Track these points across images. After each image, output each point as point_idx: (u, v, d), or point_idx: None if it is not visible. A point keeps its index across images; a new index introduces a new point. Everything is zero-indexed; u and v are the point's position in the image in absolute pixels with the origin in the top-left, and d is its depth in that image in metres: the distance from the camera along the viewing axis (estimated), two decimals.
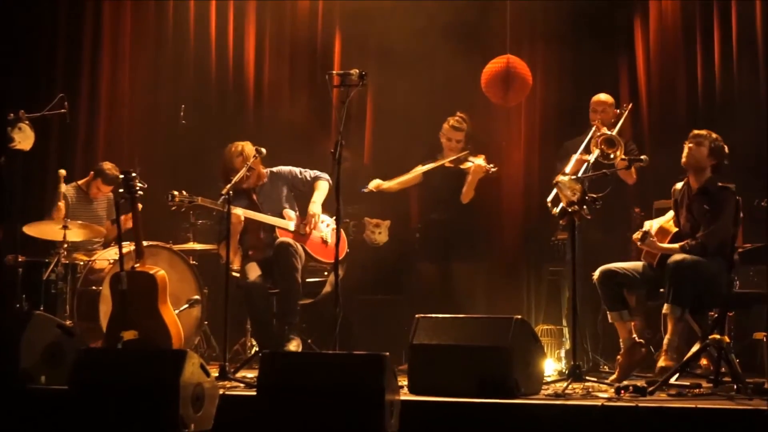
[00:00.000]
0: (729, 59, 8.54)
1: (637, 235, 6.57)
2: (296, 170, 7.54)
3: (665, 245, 6.54)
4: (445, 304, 7.52)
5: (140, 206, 6.78)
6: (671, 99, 8.78)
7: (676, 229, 6.62)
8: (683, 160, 6.58)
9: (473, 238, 7.98)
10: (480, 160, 7.69)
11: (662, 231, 6.64)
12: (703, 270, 6.31)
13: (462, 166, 7.77)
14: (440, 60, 8.60)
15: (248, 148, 7.26)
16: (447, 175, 7.84)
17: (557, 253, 8.01)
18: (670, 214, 6.81)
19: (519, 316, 5.99)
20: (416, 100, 8.48)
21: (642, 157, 6.85)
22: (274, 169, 7.54)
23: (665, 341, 6.35)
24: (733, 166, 7.89)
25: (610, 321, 6.66)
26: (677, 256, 6.32)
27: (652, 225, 6.71)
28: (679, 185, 6.77)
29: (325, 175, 7.47)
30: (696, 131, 6.61)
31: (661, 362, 6.23)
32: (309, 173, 7.53)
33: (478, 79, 8.35)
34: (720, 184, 6.51)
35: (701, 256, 6.35)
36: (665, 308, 6.33)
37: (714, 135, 6.57)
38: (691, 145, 6.57)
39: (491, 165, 7.64)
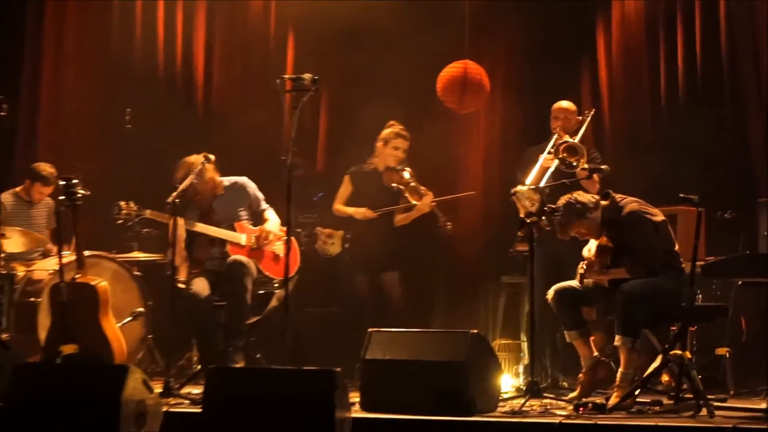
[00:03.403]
0: (693, 63, 8.61)
1: (577, 279, 6.57)
2: (259, 193, 7.54)
3: (611, 272, 6.53)
4: (401, 317, 7.59)
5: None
6: (635, 104, 8.84)
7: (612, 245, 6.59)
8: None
9: (410, 249, 8.03)
10: (428, 200, 7.69)
11: (603, 250, 6.58)
12: (655, 290, 6.34)
13: (411, 199, 7.76)
14: (397, 65, 8.62)
15: (197, 161, 7.22)
16: (379, 188, 7.85)
17: (516, 265, 8.03)
18: None
19: (475, 330, 6.04)
20: (372, 106, 8.48)
21: (603, 166, 6.90)
22: (239, 179, 7.53)
23: (618, 375, 6.32)
24: (696, 175, 8.04)
25: (568, 341, 6.68)
26: (625, 286, 6.33)
27: (589, 249, 6.70)
28: None
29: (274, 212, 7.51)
30: (559, 220, 6.58)
31: (613, 399, 6.15)
32: (264, 203, 7.54)
33: (435, 84, 8.39)
34: (638, 211, 6.49)
35: (653, 275, 6.40)
36: (616, 340, 6.34)
37: (567, 203, 6.52)
38: (575, 234, 6.60)
39: (445, 218, 7.70)
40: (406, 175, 7.78)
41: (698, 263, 6.31)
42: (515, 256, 7.99)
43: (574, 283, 6.65)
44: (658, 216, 6.57)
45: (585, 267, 6.56)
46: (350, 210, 7.89)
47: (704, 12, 8.60)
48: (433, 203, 7.74)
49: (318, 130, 9.28)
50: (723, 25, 8.48)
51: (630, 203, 6.58)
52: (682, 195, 6.11)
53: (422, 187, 7.78)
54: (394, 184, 7.81)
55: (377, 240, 7.76)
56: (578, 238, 6.67)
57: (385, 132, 7.91)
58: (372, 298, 7.87)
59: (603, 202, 6.60)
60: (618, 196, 6.64)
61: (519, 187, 6.92)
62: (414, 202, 7.75)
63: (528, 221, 6.46)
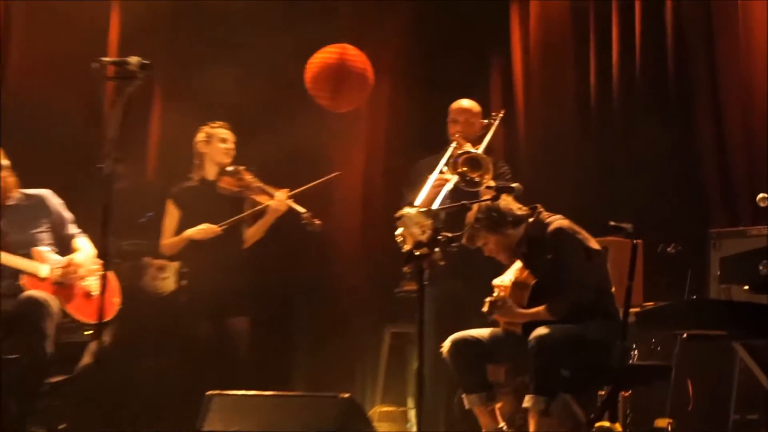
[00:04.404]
0: (631, 63, 8.66)
1: (484, 308, 6.55)
2: (66, 213, 7.42)
3: (528, 312, 6.51)
4: (251, 376, 7.50)
5: None
6: (557, 108, 8.92)
7: (533, 281, 6.59)
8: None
9: (266, 285, 8.07)
10: (284, 195, 7.74)
11: (519, 286, 6.58)
12: (579, 341, 6.29)
13: (256, 197, 7.79)
14: (253, 50, 8.62)
15: None
16: (217, 201, 7.82)
17: (403, 310, 8.02)
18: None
19: (347, 395, 6.03)
20: (223, 100, 8.46)
21: (513, 185, 6.82)
22: (38, 192, 7.41)
23: None
24: (632, 199, 8.08)
25: (467, 407, 6.61)
26: (541, 331, 6.27)
27: (502, 282, 6.69)
28: None
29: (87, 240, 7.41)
30: (469, 235, 6.62)
31: None
32: (72, 226, 7.42)
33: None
34: (567, 229, 6.53)
35: (579, 319, 6.36)
36: (526, 400, 6.28)
37: (486, 208, 6.59)
38: (481, 245, 6.65)
39: (309, 213, 7.70)
40: (247, 174, 7.80)
41: (632, 310, 6.29)
42: (401, 298, 8.03)
43: (477, 332, 6.61)
44: (593, 242, 6.58)
45: (495, 298, 6.52)
46: (187, 233, 7.80)
47: (646, 9, 8.65)
48: (290, 199, 7.74)
49: (149, 130, 9.17)
50: (670, 26, 8.54)
51: (558, 220, 6.59)
52: (612, 223, 6.12)
53: (270, 187, 7.80)
54: (235, 188, 7.78)
55: (222, 273, 7.66)
56: (484, 252, 6.69)
57: (202, 132, 7.95)
58: (215, 351, 7.76)
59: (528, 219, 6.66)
60: (545, 213, 6.65)
61: (406, 210, 6.84)
62: (265, 202, 7.75)
63: (417, 254, 6.32)
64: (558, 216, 6.64)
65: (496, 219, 6.56)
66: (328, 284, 8.79)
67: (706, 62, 8.38)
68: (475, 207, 6.62)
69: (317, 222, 7.74)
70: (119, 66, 6.23)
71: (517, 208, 6.65)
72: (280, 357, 8.44)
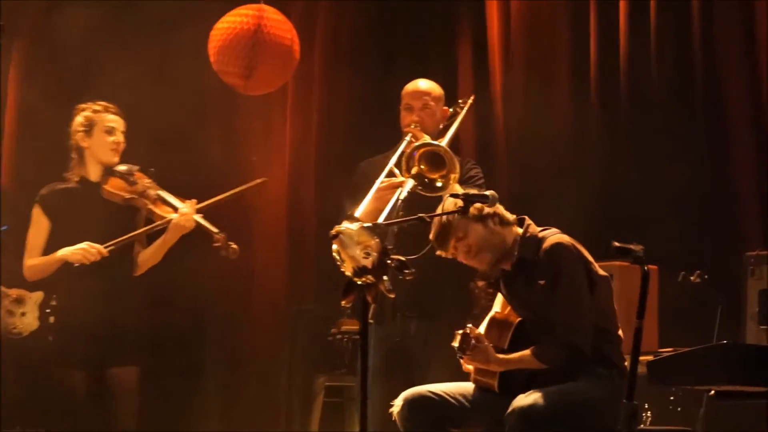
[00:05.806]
0: (645, 30, 8.68)
1: (454, 342, 6.46)
2: None
3: (508, 358, 6.44)
4: None
5: None
6: (545, 92, 8.92)
7: (519, 319, 6.54)
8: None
9: (161, 324, 8.14)
10: (191, 208, 7.66)
11: (497, 324, 6.55)
12: (573, 406, 6.22)
13: (154, 209, 7.69)
14: (147, 15, 8.70)
15: None
16: (101, 209, 7.72)
17: (340, 357, 8.10)
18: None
19: None
20: (102, 78, 8.47)
21: (487, 192, 6.78)
22: None
23: None
24: (645, 216, 8.09)
25: None
26: (522, 401, 6.18)
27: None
28: None
29: None
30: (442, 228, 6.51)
31: None
32: None
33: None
34: (568, 246, 6.43)
35: (572, 371, 6.31)
36: None
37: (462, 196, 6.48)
38: (454, 250, 6.52)
39: (223, 234, 7.62)
40: (144, 177, 7.74)
41: (643, 358, 6.24)
42: (339, 340, 8.11)
43: (439, 387, 6.56)
44: (598, 268, 6.53)
45: (467, 336, 6.43)
46: (60, 253, 7.66)
47: None
48: (199, 213, 7.70)
49: (2, 117, 9.11)
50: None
51: (555, 234, 6.49)
52: (617, 244, 6.01)
53: (173, 196, 7.74)
54: (126, 195, 7.70)
55: (103, 308, 7.56)
56: (456, 259, 6.56)
57: (81, 117, 7.77)
58: (93, 412, 7.66)
59: (516, 229, 6.55)
60: (534, 227, 6.58)
61: (345, 225, 6.72)
62: (167, 215, 7.65)
63: (359, 282, 6.27)
64: (553, 230, 6.55)
65: (480, 208, 6.42)
66: (244, 323, 8.82)
67: (742, 41, 8.42)
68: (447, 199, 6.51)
69: (233, 246, 7.63)
70: None
71: (503, 210, 6.57)
72: (180, 421, 8.48)
